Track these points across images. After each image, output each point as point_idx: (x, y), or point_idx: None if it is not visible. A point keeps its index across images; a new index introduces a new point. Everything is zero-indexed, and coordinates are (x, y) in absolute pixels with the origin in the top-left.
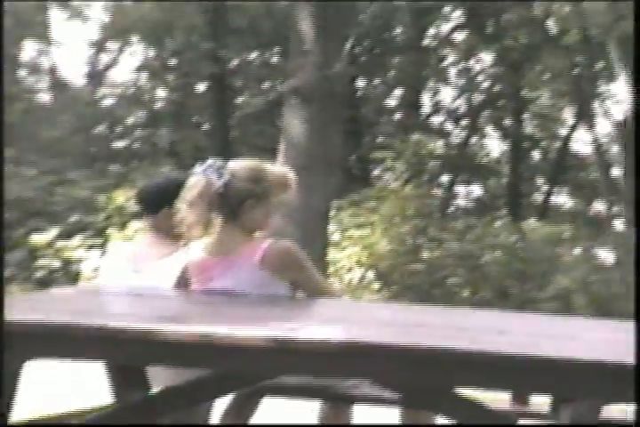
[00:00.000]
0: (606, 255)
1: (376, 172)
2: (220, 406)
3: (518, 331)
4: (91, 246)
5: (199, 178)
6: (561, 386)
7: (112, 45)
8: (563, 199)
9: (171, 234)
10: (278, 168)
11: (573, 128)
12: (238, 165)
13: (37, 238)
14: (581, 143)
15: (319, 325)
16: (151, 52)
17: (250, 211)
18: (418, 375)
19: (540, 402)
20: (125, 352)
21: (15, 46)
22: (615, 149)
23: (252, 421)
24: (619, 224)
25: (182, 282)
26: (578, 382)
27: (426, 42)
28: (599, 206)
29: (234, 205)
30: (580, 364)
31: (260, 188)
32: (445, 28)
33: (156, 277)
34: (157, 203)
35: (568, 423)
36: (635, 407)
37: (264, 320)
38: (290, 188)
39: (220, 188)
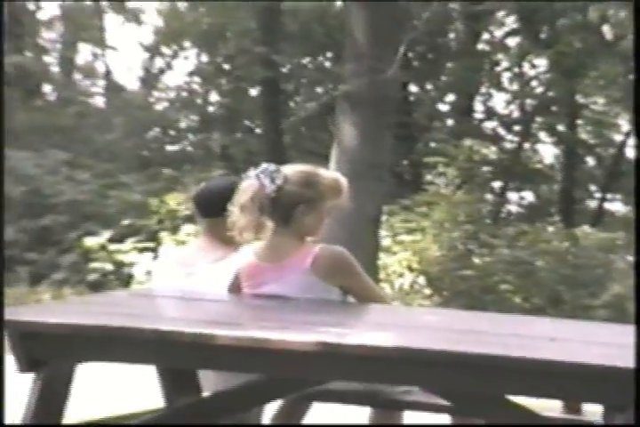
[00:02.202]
0: None
1: (428, 177)
2: (269, 411)
3: (570, 338)
4: (143, 250)
5: (252, 182)
6: (613, 394)
7: (166, 50)
8: (616, 206)
9: (224, 238)
10: (331, 173)
11: (628, 134)
12: (291, 169)
13: (90, 241)
14: (636, 150)
15: (370, 330)
16: (204, 57)
17: (301, 216)
18: (469, 383)
19: (593, 411)
20: (177, 356)
21: (71, 50)
22: None
23: None
24: None
25: (234, 287)
26: (630, 391)
27: (479, 47)
28: None
29: (285, 210)
30: (632, 373)
31: (312, 193)
32: (499, 33)
33: (209, 282)
34: (219, 206)
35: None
36: (634, 411)
37: (315, 325)
38: (342, 193)
39: (273, 192)
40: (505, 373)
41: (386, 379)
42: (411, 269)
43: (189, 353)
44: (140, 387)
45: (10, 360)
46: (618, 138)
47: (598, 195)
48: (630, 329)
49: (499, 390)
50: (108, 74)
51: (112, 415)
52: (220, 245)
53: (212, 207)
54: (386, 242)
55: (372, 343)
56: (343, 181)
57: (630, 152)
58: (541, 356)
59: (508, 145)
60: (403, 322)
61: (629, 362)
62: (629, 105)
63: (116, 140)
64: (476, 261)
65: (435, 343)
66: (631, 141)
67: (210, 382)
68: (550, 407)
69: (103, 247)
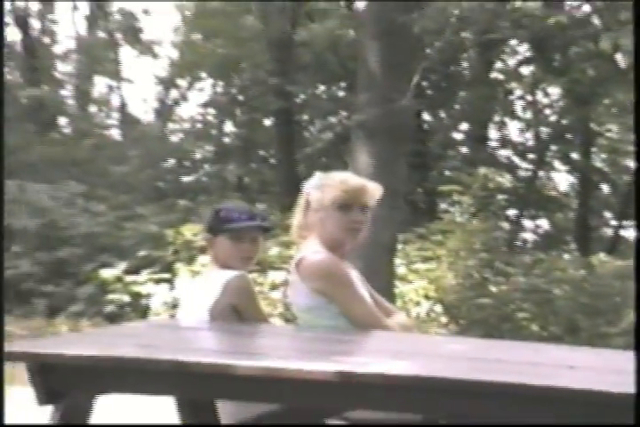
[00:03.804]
0: None
1: (443, 205)
2: None
3: (589, 366)
4: (159, 281)
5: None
6: (631, 422)
7: (181, 81)
8: (632, 233)
9: (217, 258)
10: (345, 176)
11: None
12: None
13: (106, 273)
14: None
15: (389, 359)
16: (219, 88)
17: (314, 216)
18: (489, 411)
19: None
20: (195, 387)
21: (86, 83)
22: None
23: None
24: None
25: None
26: None
27: (492, 75)
28: None
29: (309, 214)
30: None
31: (320, 194)
32: (512, 61)
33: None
34: (211, 223)
35: None
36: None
37: (335, 354)
38: (342, 190)
39: (308, 195)
40: (526, 401)
41: (405, 408)
42: (427, 297)
43: (206, 384)
44: (160, 418)
45: (29, 393)
46: (632, 165)
47: (614, 222)
48: None
49: (520, 418)
50: (123, 106)
51: None
52: (213, 266)
53: (208, 224)
54: (401, 270)
55: (391, 372)
56: (351, 180)
57: None
58: (561, 384)
59: (522, 173)
60: (421, 350)
61: None
62: None
63: (132, 172)
64: (493, 289)
65: (454, 372)
66: None
67: (229, 413)
68: None
69: (119, 279)
